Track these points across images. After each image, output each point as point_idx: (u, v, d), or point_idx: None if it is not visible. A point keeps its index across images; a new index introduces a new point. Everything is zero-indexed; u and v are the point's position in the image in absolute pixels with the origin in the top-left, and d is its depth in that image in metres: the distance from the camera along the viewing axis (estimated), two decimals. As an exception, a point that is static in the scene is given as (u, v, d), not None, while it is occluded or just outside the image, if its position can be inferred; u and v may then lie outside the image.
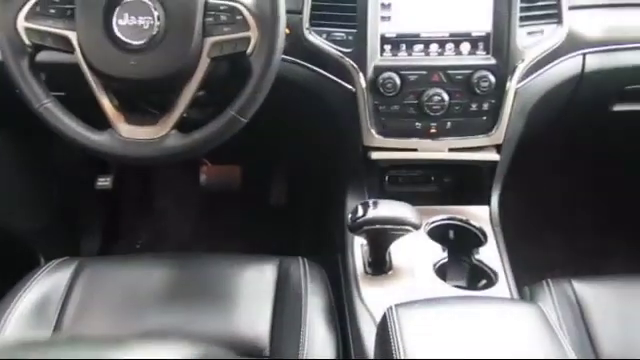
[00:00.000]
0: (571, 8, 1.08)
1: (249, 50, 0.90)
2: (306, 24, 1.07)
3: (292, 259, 1.07)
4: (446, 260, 1.08)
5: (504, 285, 1.03)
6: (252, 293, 1.01)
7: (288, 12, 0.94)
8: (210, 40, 0.90)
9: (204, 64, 0.91)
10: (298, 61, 1.10)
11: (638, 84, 1.17)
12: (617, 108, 1.22)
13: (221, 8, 0.90)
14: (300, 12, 1.07)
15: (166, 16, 0.89)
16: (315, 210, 1.63)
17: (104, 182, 1.54)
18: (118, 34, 0.89)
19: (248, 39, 0.90)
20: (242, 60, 0.92)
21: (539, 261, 1.52)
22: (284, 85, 1.01)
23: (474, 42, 1.07)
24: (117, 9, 0.89)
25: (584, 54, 1.11)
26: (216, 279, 1.03)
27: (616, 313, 0.99)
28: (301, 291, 1.01)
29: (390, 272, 1.05)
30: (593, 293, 1.01)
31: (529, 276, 1.08)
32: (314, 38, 1.07)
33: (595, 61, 1.12)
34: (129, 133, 0.93)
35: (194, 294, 1.01)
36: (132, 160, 0.96)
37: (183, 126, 0.94)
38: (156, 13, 0.89)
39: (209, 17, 0.90)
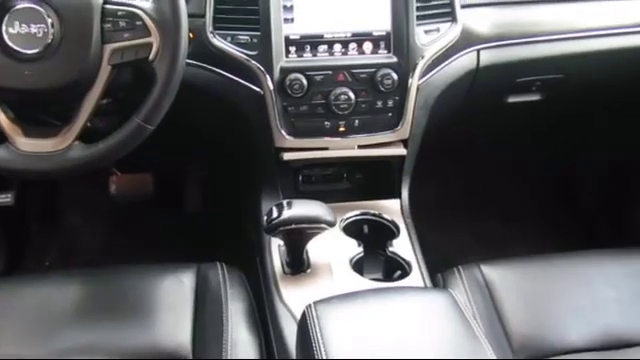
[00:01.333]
0: (463, 7, 1.13)
1: (151, 56, 0.88)
2: (210, 28, 1.06)
3: (210, 265, 1.06)
4: (362, 254, 1.10)
5: (417, 275, 1.07)
6: (171, 302, 0.99)
7: (190, 16, 0.93)
8: (110, 47, 0.88)
9: (105, 72, 0.88)
10: (204, 65, 1.09)
11: (528, 77, 1.25)
12: (511, 99, 1.30)
13: (119, 14, 0.87)
14: (203, 16, 1.06)
15: (61, 23, 0.86)
16: (232, 213, 1.62)
17: (5, 198, 1.46)
18: (9, 43, 0.85)
19: (150, 45, 0.88)
20: (145, 66, 0.90)
21: (451, 249, 1.58)
22: (191, 90, 1.00)
23: (376, 41, 1.10)
24: (6, 17, 0.84)
25: (478, 50, 1.17)
26: (132, 291, 1.01)
27: (521, 292, 1.05)
28: (221, 296, 1.00)
29: (309, 271, 1.07)
30: (500, 275, 1.07)
31: (442, 264, 1.12)
32: (218, 42, 1.07)
33: (488, 56, 1.18)
34: (28, 146, 0.89)
35: (111, 309, 0.98)
36: (33, 174, 0.92)
37: (87, 136, 0.91)
38: (50, 20, 0.85)
39: (107, 23, 0.87)
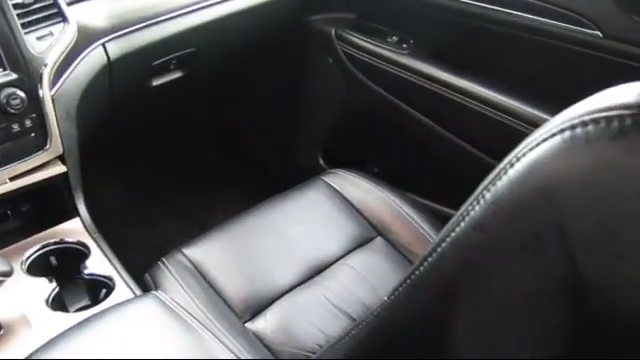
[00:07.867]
0: (70, 4, 1.06)
1: None
2: None
3: None
4: (58, 289, 1.02)
5: (122, 286, 1.03)
6: None
7: None
8: None
9: None
10: None
11: (163, 57, 1.25)
12: (155, 83, 1.30)
13: None
14: None
15: None
16: None
17: None
18: None
19: None
20: None
21: (157, 239, 1.56)
22: None
23: (-16, 62, 0.98)
24: None
25: (103, 44, 1.12)
26: None
27: (227, 260, 1.09)
28: None
29: (1, 332, 0.94)
30: (203, 252, 1.09)
31: (154, 257, 1.09)
32: None
33: (116, 48, 1.14)
34: None
35: None
36: None
37: None
38: None
39: None
